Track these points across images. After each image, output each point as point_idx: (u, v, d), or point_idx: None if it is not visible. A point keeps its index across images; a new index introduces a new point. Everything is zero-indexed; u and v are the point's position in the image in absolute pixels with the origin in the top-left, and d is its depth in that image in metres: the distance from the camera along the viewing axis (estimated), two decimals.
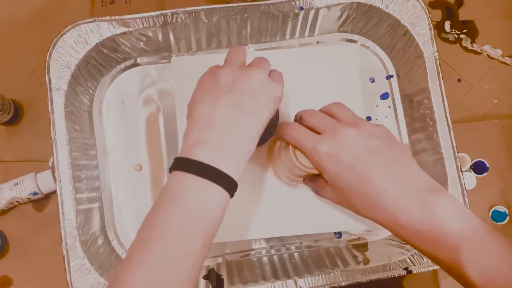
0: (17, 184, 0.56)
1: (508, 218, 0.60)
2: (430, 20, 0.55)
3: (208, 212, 0.35)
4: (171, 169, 0.36)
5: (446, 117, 0.54)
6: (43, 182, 0.57)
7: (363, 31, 0.60)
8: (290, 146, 0.42)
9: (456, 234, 0.34)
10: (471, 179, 0.61)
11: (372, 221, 0.39)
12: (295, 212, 0.54)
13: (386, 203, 0.37)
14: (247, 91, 0.38)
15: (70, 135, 0.52)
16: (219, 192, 0.35)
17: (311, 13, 0.56)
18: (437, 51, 0.54)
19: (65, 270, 0.49)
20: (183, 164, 0.36)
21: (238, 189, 0.37)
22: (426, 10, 0.55)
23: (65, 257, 0.50)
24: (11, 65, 0.61)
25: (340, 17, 0.58)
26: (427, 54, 0.55)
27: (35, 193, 0.57)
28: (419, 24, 0.55)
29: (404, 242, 0.54)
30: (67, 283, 0.49)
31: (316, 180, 0.45)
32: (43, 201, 0.59)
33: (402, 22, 0.55)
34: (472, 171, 0.62)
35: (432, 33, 0.55)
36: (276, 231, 0.54)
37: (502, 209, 0.61)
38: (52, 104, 0.52)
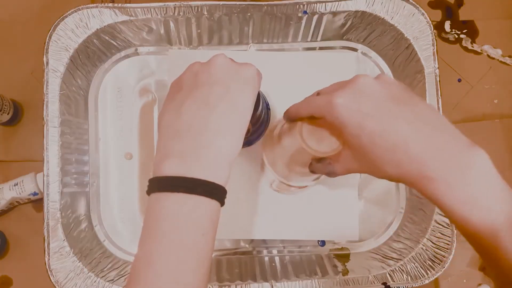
0: (17, 184, 0.57)
1: None
2: (434, 36, 0.54)
3: (192, 227, 0.32)
4: (148, 192, 0.33)
5: None
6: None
7: (367, 41, 0.60)
8: (297, 126, 0.38)
9: (493, 197, 0.31)
10: None
11: (399, 181, 0.33)
12: (281, 217, 0.54)
13: (413, 151, 0.31)
14: (211, 81, 0.34)
15: (62, 118, 0.53)
16: (199, 201, 0.32)
17: (315, 18, 0.56)
18: (438, 67, 0.54)
19: (44, 252, 0.50)
20: (154, 184, 0.33)
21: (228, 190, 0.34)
22: (431, 25, 0.54)
23: (46, 238, 0.50)
24: (11, 65, 0.61)
25: (344, 24, 0.57)
26: (427, 70, 0.54)
27: (35, 193, 0.57)
28: (423, 38, 0.54)
29: (387, 257, 0.54)
30: (45, 264, 0.49)
31: (325, 159, 0.39)
32: (43, 201, 0.59)
33: (405, 35, 0.55)
34: None
35: (435, 49, 0.54)
36: (260, 233, 0.54)
37: None
38: (47, 85, 0.52)
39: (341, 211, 0.54)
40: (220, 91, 0.34)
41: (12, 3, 0.63)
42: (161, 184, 0.32)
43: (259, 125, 0.48)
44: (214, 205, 0.33)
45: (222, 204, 0.34)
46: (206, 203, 0.32)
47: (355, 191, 0.55)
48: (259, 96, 0.40)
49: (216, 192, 0.33)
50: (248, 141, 0.50)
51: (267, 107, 0.51)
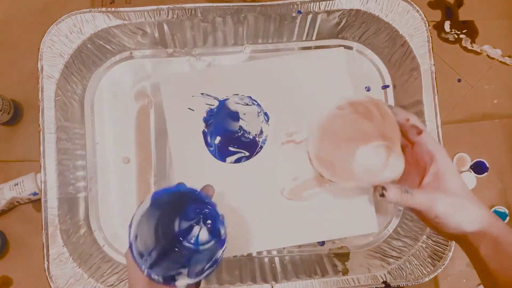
0: (17, 184, 0.57)
1: (508, 218, 0.59)
2: (429, 33, 0.54)
3: None
4: None
5: (438, 132, 0.53)
6: None
7: (362, 39, 0.59)
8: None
9: None
10: (471, 179, 0.61)
11: (464, 233, 0.37)
12: (297, 222, 0.55)
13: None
14: None
15: (59, 124, 0.53)
16: None
17: (309, 17, 0.55)
18: (433, 64, 0.54)
19: (43, 258, 0.50)
20: None
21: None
22: (426, 22, 0.54)
23: (44, 245, 0.50)
24: (11, 65, 0.61)
25: (339, 23, 0.57)
26: (423, 66, 0.54)
27: (35, 193, 0.57)
28: (418, 35, 0.54)
29: (387, 255, 0.54)
30: (44, 270, 0.50)
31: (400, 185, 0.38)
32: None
33: (400, 33, 0.55)
34: (472, 171, 0.61)
35: (430, 46, 0.54)
36: (280, 242, 0.56)
37: (502, 209, 0.60)
38: (42, 91, 0.52)
39: (357, 206, 0.55)
40: None
41: (12, 3, 0.63)
42: None
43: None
44: None
45: None
46: None
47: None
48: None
49: None
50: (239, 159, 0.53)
51: (267, 120, 0.54)
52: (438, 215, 0.37)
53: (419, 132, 0.39)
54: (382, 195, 0.37)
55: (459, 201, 0.37)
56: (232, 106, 0.57)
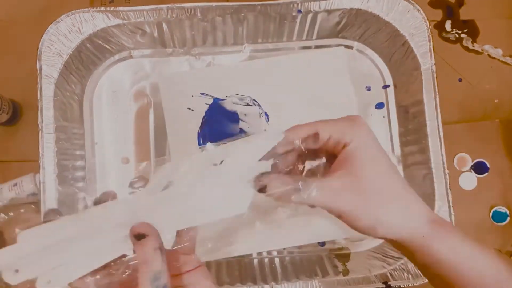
0: (16, 185, 0.56)
1: (508, 218, 0.59)
2: (429, 32, 0.54)
3: None
4: None
5: (439, 132, 0.53)
6: None
7: (362, 38, 0.59)
8: None
9: None
10: (471, 180, 0.60)
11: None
12: (291, 225, 0.55)
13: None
14: None
15: (57, 124, 0.52)
16: None
17: (309, 16, 0.55)
18: (434, 63, 0.53)
19: None
20: None
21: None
22: (427, 21, 0.54)
23: None
24: (9, 65, 0.61)
25: (339, 22, 0.57)
26: (424, 66, 0.54)
27: (34, 194, 0.56)
28: (418, 35, 0.54)
29: (388, 256, 0.54)
30: None
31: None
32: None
33: (401, 32, 0.54)
34: (472, 171, 0.61)
35: (431, 45, 0.54)
36: (274, 244, 0.55)
37: (502, 209, 0.59)
38: (41, 91, 0.52)
39: None
40: None
41: (12, 3, 0.63)
42: None
43: None
44: None
45: None
46: None
47: None
48: None
49: None
50: None
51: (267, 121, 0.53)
52: (343, 214, 0.29)
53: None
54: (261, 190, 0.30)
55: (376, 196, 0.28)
56: (230, 106, 0.57)
